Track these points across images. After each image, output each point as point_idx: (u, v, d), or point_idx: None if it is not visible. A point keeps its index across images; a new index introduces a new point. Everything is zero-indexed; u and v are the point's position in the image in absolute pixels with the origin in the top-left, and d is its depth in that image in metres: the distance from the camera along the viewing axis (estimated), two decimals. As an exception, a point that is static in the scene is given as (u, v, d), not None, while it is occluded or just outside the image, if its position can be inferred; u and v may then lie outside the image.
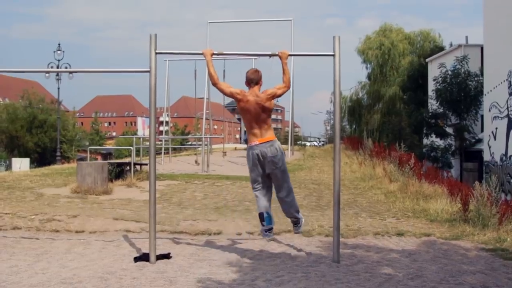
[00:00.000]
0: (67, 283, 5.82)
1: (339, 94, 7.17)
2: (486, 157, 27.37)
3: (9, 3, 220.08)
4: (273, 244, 8.12)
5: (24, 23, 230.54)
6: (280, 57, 7.03)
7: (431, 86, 32.99)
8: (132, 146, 18.69)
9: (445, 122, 30.87)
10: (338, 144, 7.16)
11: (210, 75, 7.09)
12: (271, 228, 7.22)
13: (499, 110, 25.82)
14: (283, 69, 6.99)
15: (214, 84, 7.11)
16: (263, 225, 7.19)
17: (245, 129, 7.14)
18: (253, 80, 7.01)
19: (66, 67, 36.26)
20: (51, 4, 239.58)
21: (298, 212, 7.34)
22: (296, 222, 7.37)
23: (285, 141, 66.94)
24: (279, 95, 7.01)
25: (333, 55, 7.03)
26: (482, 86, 28.38)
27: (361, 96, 50.31)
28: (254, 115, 6.90)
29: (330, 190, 12.51)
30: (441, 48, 42.94)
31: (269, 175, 7.08)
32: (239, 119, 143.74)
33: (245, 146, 31.29)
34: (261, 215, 7.18)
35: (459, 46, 35.49)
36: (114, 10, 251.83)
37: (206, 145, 20.32)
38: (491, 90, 26.73)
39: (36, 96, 50.56)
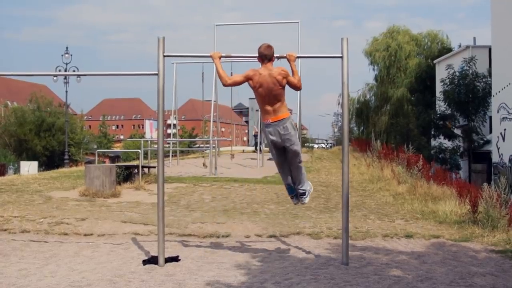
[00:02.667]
0: (76, 286, 5.83)
1: (347, 96, 7.16)
2: (495, 158, 27.26)
3: (19, 7, 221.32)
4: (282, 246, 8.12)
5: (34, 26, 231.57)
6: (288, 59, 7.05)
7: (439, 87, 32.89)
8: (140, 149, 18.72)
9: (453, 124, 30.77)
10: (346, 145, 7.15)
11: (220, 76, 7.07)
12: (295, 195, 7.55)
13: (508, 111, 25.72)
14: (292, 71, 7.01)
15: (225, 84, 7.09)
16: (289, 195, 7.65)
17: (258, 107, 7.16)
18: (266, 56, 6.99)
19: (74, 71, 36.36)
20: (60, 7, 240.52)
21: (302, 185, 7.50)
22: (302, 193, 7.53)
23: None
24: (289, 82, 6.98)
25: (341, 57, 7.02)
26: (490, 87, 28.29)
27: (368, 98, 50.16)
28: (267, 89, 6.89)
29: (338, 192, 12.49)
30: (449, 50, 42.81)
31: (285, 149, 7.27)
32: (246, 122, 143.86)
33: (252, 148, 31.27)
34: (286, 186, 7.62)
35: (467, 47, 35.38)
36: (122, 14, 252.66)
37: (214, 147, 20.30)
38: (499, 91, 26.64)
39: (44, 100, 50.65)
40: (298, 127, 27.62)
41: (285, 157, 7.33)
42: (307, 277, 6.25)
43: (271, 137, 7.10)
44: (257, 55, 7.07)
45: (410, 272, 6.51)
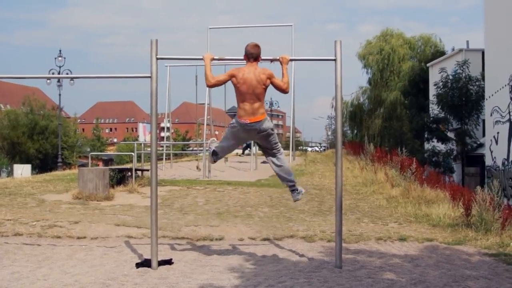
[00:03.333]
0: (69, 290, 5.80)
1: (340, 98, 7.16)
2: (488, 161, 27.33)
3: (11, 9, 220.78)
4: (275, 249, 8.11)
5: (26, 29, 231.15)
6: (281, 62, 7.04)
7: (432, 91, 33.00)
8: (133, 152, 18.68)
9: (447, 127, 30.86)
10: (340, 149, 7.15)
11: (205, 76, 7.02)
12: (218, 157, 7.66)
13: (501, 115, 25.80)
14: (282, 73, 7.00)
15: (209, 84, 7.11)
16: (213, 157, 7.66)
17: (237, 104, 7.06)
18: (252, 54, 6.97)
19: (67, 73, 36.28)
20: (53, 10, 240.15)
21: (291, 176, 7.57)
22: (293, 188, 7.53)
23: (286, 147, 66.96)
24: (274, 83, 6.98)
25: (335, 60, 7.02)
26: (483, 91, 28.39)
27: (362, 101, 50.22)
28: (251, 87, 6.85)
29: (332, 195, 12.50)
30: (442, 53, 42.94)
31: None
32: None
33: (246, 152, 31.32)
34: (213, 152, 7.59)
35: (460, 50, 35.52)
36: (116, 16, 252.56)
37: (207, 150, 20.26)
38: (492, 95, 26.72)
39: (37, 103, 50.64)
40: (291, 130, 27.70)
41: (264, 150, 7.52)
42: (300, 280, 6.24)
43: (240, 133, 7.15)
44: (244, 53, 7.05)
45: (404, 276, 6.51)
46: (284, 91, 7.08)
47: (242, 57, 7.13)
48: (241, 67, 7.01)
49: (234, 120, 7.15)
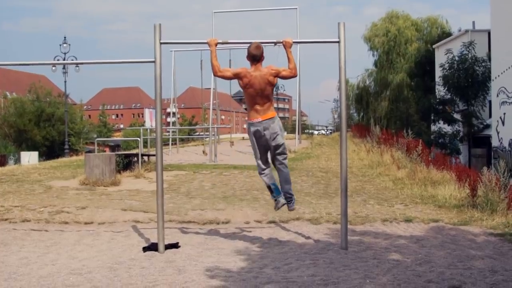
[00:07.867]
0: (77, 274, 5.85)
1: (344, 80, 7.14)
2: (495, 142, 27.28)
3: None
4: (281, 232, 8.15)
5: (32, 16, 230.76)
6: (284, 45, 7.02)
7: (438, 72, 32.85)
8: (139, 137, 18.72)
9: (453, 108, 30.76)
10: (344, 130, 7.15)
11: (212, 65, 7.05)
12: (280, 196, 7.30)
13: (507, 95, 25.70)
14: (288, 57, 6.98)
15: (215, 74, 7.13)
16: (273, 197, 7.35)
17: (246, 106, 7.11)
18: (255, 56, 6.96)
19: (72, 60, 36.27)
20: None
21: (290, 187, 7.44)
22: (289, 199, 7.39)
23: (292, 130, 66.86)
24: (282, 76, 7.01)
25: (338, 42, 7.00)
26: (490, 72, 28.26)
27: (368, 83, 50.06)
28: (259, 90, 6.90)
29: (338, 177, 12.48)
30: (449, 34, 42.65)
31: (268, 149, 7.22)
32: (246, 109, 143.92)
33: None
34: (269, 187, 7.39)
35: (466, 31, 35.28)
36: (122, 3, 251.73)
37: (213, 135, 20.31)
38: (498, 76, 26.60)
39: (43, 90, 50.73)
40: (297, 113, 27.66)
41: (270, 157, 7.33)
42: (306, 262, 6.28)
43: (259, 133, 7.03)
44: (246, 54, 7.02)
45: (409, 256, 6.53)
46: (293, 77, 7.11)
47: (246, 41, 7.12)
48: (247, 69, 6.99)
49: (247, 125, 7.15)
